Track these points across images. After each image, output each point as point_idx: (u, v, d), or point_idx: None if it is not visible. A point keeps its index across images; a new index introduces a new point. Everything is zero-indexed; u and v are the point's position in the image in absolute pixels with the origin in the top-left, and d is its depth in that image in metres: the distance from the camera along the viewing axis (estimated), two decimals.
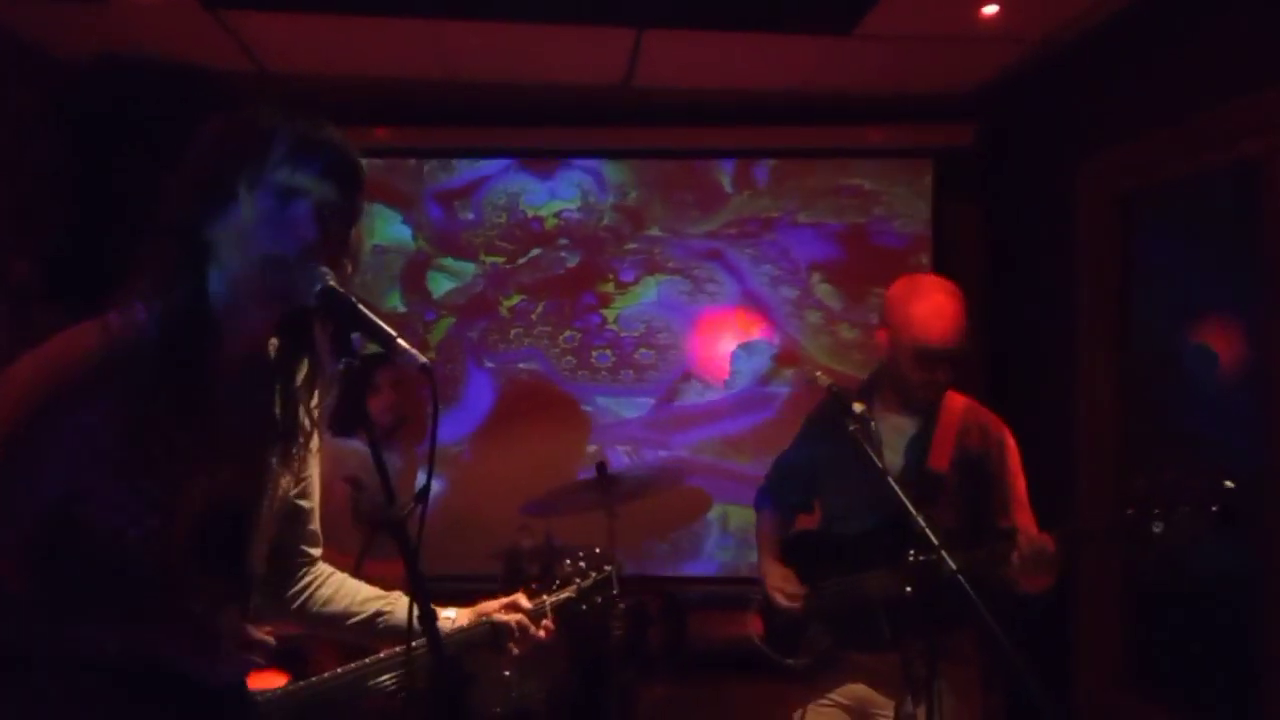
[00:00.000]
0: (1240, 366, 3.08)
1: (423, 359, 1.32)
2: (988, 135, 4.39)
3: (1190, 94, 3.12)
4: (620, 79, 4.17)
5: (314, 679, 1.72)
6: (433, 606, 1.72)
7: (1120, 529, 2.20)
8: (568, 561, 1.98)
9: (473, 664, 3.16)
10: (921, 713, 2.35)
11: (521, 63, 3.99)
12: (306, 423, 1.57)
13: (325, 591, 1.76)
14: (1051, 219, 3.91)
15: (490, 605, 1.81)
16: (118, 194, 3.31)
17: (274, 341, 1.54)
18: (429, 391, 1.32)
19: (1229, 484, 2.15)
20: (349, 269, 1.49)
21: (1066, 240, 3.76)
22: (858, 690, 2.51)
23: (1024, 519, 2.44)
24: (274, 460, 1.53)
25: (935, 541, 1.95)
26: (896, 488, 2.06)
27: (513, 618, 1.79)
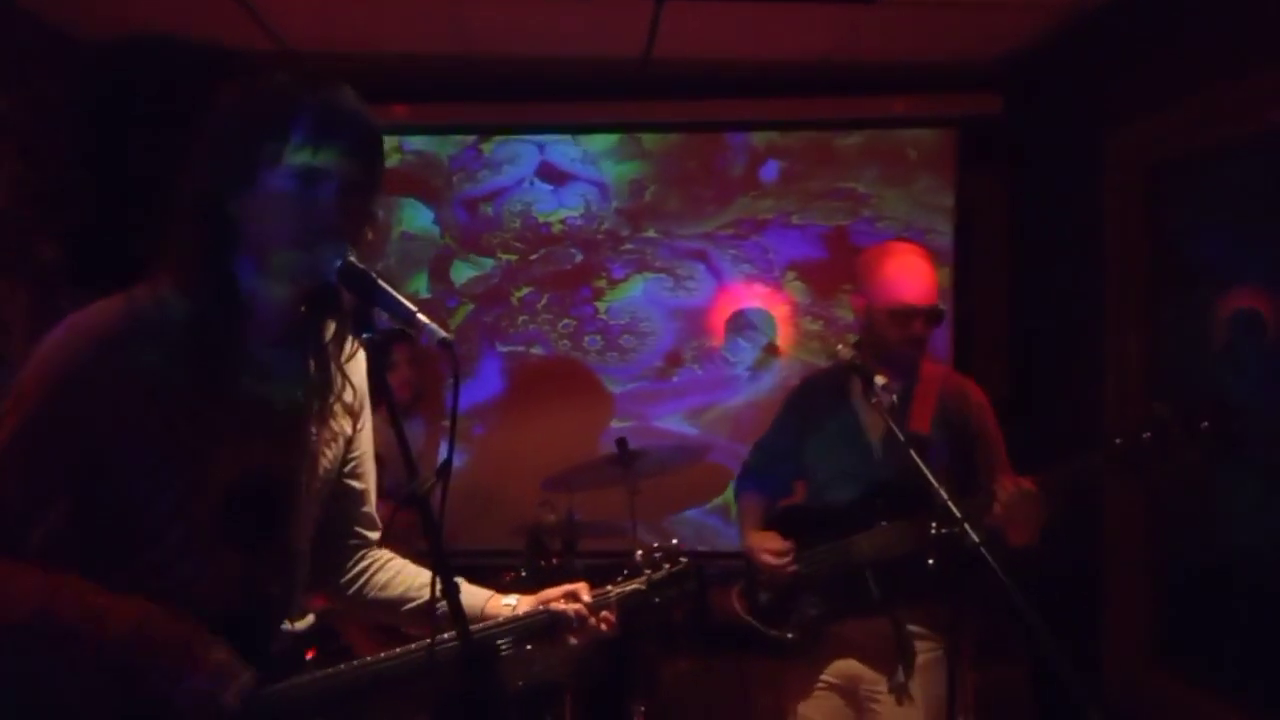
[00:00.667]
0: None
1: (443, 333, 1.31)
2: (1014, 105, 4.33)
3: (1219, 62, 3.06)
4: (640, 52, 4.13)
5: (353, 663, 1.58)
6: (489, 591, 1.74)
7: (1114, 459, 2.24)
8: (639, 553, 1.87)
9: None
10: (913, 683, 2.44)
11: (540, 37, 3.97)
12: (339, 379, 1.57)
13: (382, 576, 1.74)
14: (1078, 190, 3.86)
15: (552, 593, 1.73)
16: (142, 176, 3.32)
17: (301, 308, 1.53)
18: (449, 366, 1.30)
19: (1216, 407, 2.20)
20: (369, 239, 1.49)
21: (1093, 211, 3.70)
22: (849, 667, 2.52)
23: (1008, 479, 2.42)
24: (312, 433, 1.53)
25: (958, 514, 1.93)
26: (919, 460, 2.05)
27: (571, 607, 1.70)
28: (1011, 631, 2.56)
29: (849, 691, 2.52)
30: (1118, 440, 2.25)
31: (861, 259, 2.64)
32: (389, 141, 3.92)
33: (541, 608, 1.70)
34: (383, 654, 1.57)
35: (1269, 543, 2.95)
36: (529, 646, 1.72)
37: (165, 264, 1.44)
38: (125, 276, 1.47)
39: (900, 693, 2.44)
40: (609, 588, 1.78)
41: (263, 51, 4.03)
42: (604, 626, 1.73)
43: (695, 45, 4.08)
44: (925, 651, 2.47)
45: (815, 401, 2.70)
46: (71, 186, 3.92)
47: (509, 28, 3.88)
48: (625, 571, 1.83)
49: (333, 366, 1.56)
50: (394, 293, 1.35)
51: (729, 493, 4.01)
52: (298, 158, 1.38)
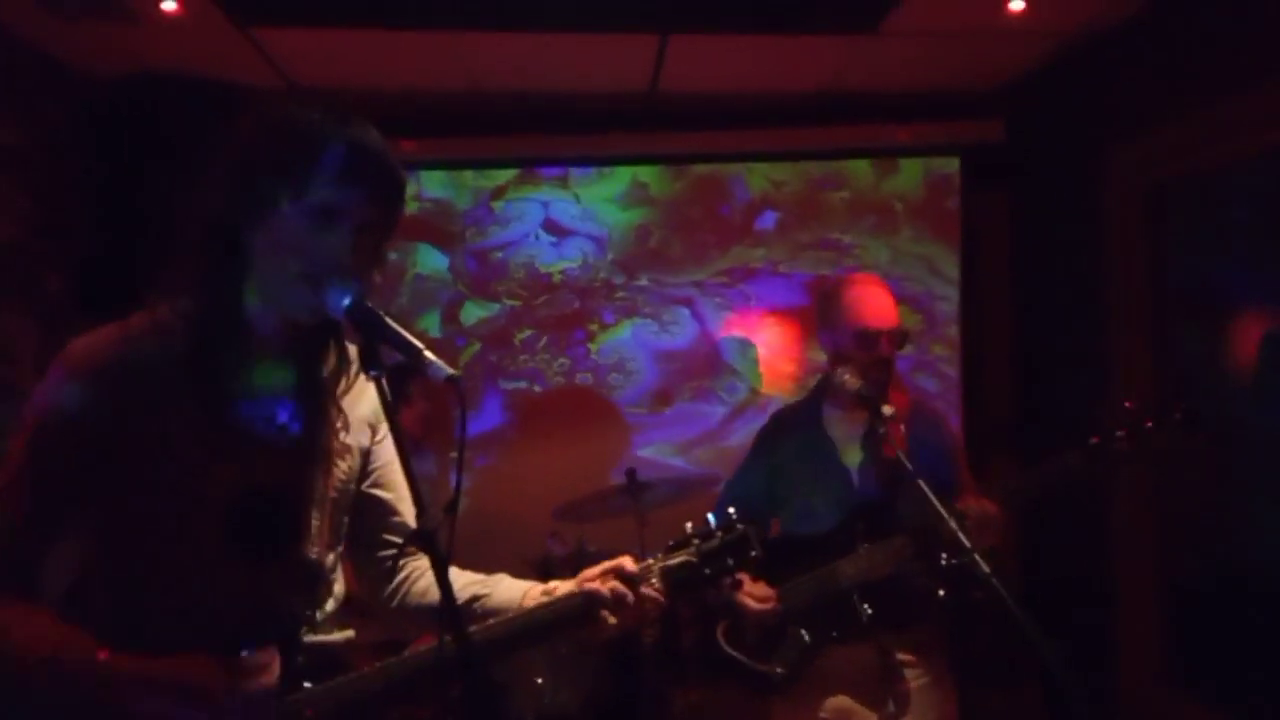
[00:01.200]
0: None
1: (450, 370, 1.31)
2: (1016, 130, 4.36)
3: (1216, 83, 3.08)
4: (646, 85, 4.18)
5: (352, 675, 1.56)
6: (529, 582, 1.69)
7: (1092, 458, 2.29)
8: (689, 525, 1.72)
9: (504, 671, 3.17)
10: (904, 714, 2.43)
11: (546, 72, 4.01)
12: (335, 412, 1.57)
13: (422, 584, 1.72)
14: (1081, 212, 3.87)
15: (591, 572, 1.64)
16: (149, 209, 3.36)
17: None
18: (455, 402, 1.32)
19: (1176, 400, 2.29)
20: (376, 281, 1.50)
21: (1096, 234, 3.72)
22: (841, 704, 2.48)
23: (971, 495, 2.48)
24: (320, 447, 1.54)
25: (968, 545, 1.94)
26: (928, 490, 2.06)
27: (608, 586, 1.60)
28: (1025, 655, 2.54)
29: None
30: (1094, 440, 2.30)
31: (821, 294, 2.70)
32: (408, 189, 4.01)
33: (580, 589, 1.62)
34: (392, 659, 1.55)
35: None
36: (539, 680, 1.68)
37: (169, 288, 1.45)
38: (132, 307, 1.48)
39: None
40: (650, 560, 1.67)
41: (271, 90, 4.08)
42: (650, 604, 1.62)
43: (700, 78, 4.13)
44: (914, 679, 2.48)
45: (787, 435, 2.71)
46: (79, 219, 3.96)
47: (515, 63, 3.92)
48: (671, 544, 1.70)
49: (329, 396, 1.56)
50: (402, 331, 1.36)
51: None
52: (320, 195, 1.39)
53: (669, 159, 4.52)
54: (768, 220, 4.13)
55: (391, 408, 1.39)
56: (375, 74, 4.01)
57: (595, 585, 1.61)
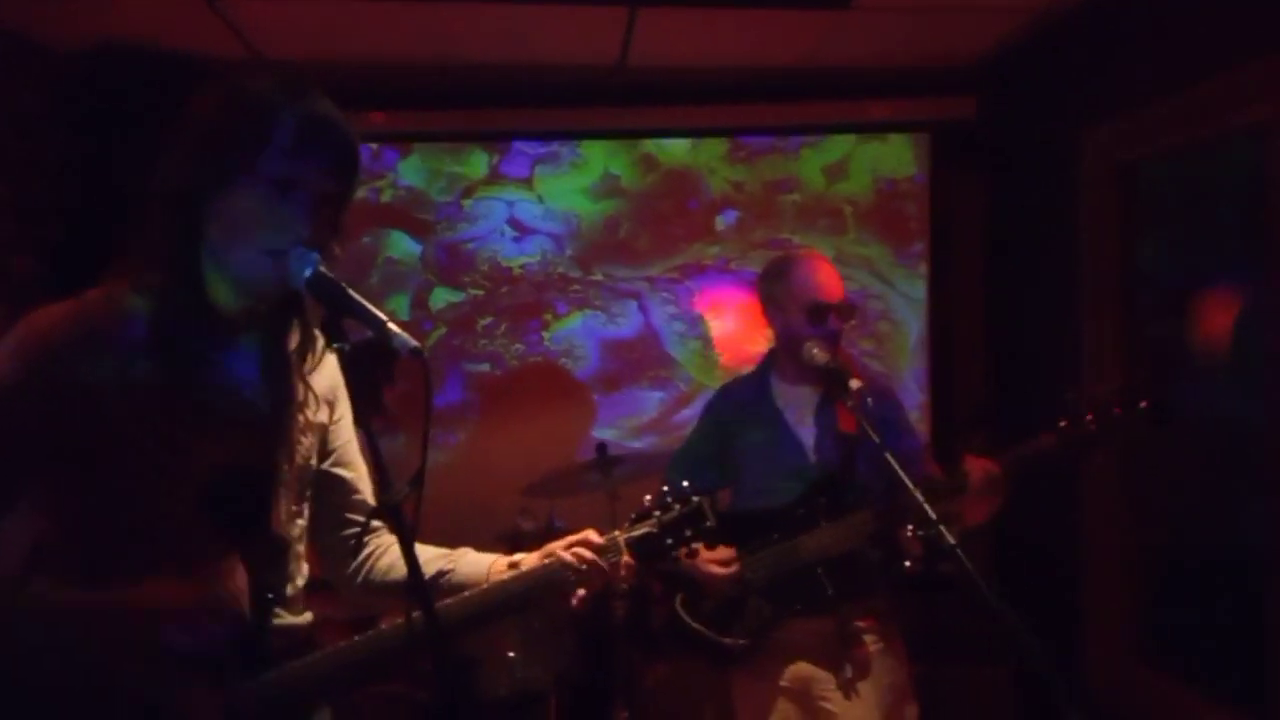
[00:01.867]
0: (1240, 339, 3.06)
1: (414, 343, 1.31)
2: (988, 107, 4.36)
3: (1194, 61, 3.08)
4: (615, 59, 4.14)
5: (320, 653, 1.57)
6: (494, 555, 1.73)
7: (1063, 442, 2.31)
8: (647, 498, 1.78)
9: (476, 646, 3.18)
10: (863, 679, 2.49)
11: (515, 45, 3.96)
12: (300, 388, 1.57)
13: (386, 560, 1.73)
14: (1053, 191, 3.88)
15: (556, 545, 1.69)
16: (117, 186, 3.30)
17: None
18: (420, 375, 1.31)
19: (1143, 384, 2.40)
20: (337, 251, 1.49)
21: (1069, 212, 3.73)
22: (800, 670, 2.53)
23: (932, 466, 2.56)
24: (283, 424, 1.53)
25: (933, 516, 1.95)
26: (894, 461, 2.09)
27: (577, 555, 1.65)
28: (993, 630, 2.56)
29: (802, 694, 2.53)
30: (1063, 424, 2.32)
31: (767, 271, 2.72)
32: (385, 178, 3.93)
33: (549, 560, 1.66)
34: (362, 635, 1.56)
35: (1249, 537, 2.97)
36: (510, 654, 1.69)
37: (128, 263, 1.45)
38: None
39: (849, 689, 2.49)
40: (616, 533, 1.72)
41: (237, 60, 4.01)
42: (622, 571, 1.68)
43: (670, 52, 4.09)
44: (871, 644, 2.54)
45: (736, 408, 2.74)
46: (45, 199, 3.89)
47: (483, 34, 3.87)
48: (633, 516, 1.77)
49: (293, 370, 1.56)
50: (364, 302, 1.35)
51: None
52: (274, 166, 1.38)
53: (637, 133, 4.52)
54: (729, 218, 4.35)
55: (354, 381, 1.38)
56: (343, 46, 3.95)
57: (566, 555, 1.65)
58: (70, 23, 3.67)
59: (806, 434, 2.62)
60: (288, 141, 1.38)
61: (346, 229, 1.52)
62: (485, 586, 1.63)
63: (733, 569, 2.48)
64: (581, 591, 1.67)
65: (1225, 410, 3.14)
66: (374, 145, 4.22)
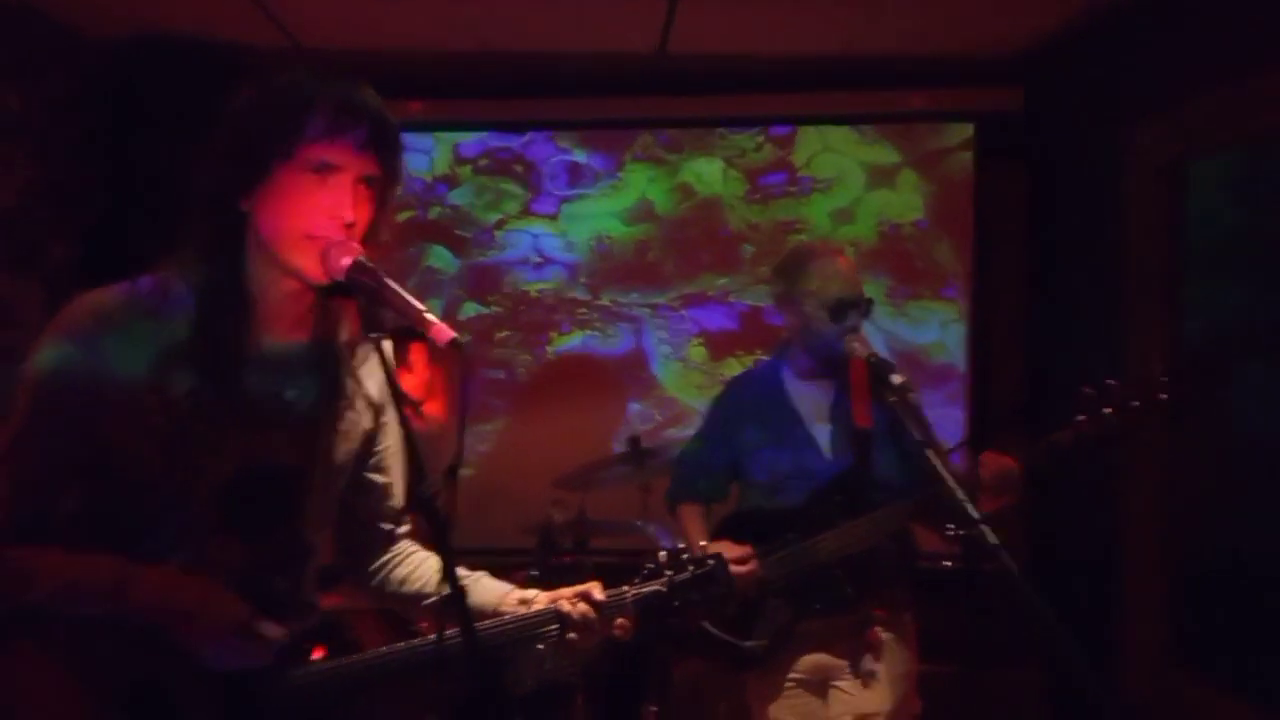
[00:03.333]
0: None
1: (452, 333, 1.29)
2: (1035, 99, 4.29)
3: (1243, 56, 3.00)
4: (655, 47, 4.11)
5: (354, 658, 1.58)
6: (508, 586, 1.71)
7: (1081, 435, 2.30)
8: (663, 553, 1.75)
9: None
10: (878, 665, 2.48)
11: (555, 32, 3.96)
12: (349, 383, 1.56)
13: (402, 571, 1.73)
14: (1099, 185, 3.81)
15: (564, 592, 1.68)
16: (152, 174, 3.34)
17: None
18: (458, 366, 1.30)
19: (1163, 378, 2.30)
20: (382, 238, 1.48)
21: (1115, 208, 3.66)
22: (817, 661, 2.51)
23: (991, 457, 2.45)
24: (325, 426, 1.52)
25: (975, 516, 1.90)
26: (934, 458, 2.01)
27: (577, 609, 1.63)
28: (1030, 633, 2.52)
29: (817, 684, 2.52)
30: (1080, 418, 2.31)
31: (783, 265, 2.66)
32: (436, 201, 4.21)
33: (549, 606, 1.66)
34: (388, 648, 1.56)
35: None
36: (539, 646, 1.67)
37: (173, 259, 1.44)
38: (138, 274, 1.46)
39: (868, 677, 2.48)
40: (625, 589, 1.70)
41: (276, 49, 4.03)
42: (618, 632, 1.67)
43: (710, 40, 4.06)
44: (885, 634, 2.52)
45: (748, 402, 2.69)
46: (84, 185, 3.92)
47: (523, 23, 3.86)
48: (645, 572, 1.74)
49: (343, 365, 1.55)
50: (403, 292, 1.34)
51: None
52: (312, 151, 1.38)
53: (676, 123, 4.51)
54: (746, 252, 4.55)
55: (393, 372, 1.36)
56: (382, 35, 3.96)
57: (566, 607, 1.63)
58: (110, 11, 3.70)
59: (822, 431, 2.59)
60: (322, 126, 1.37)
61: (395, 236, 1.51)
62: (487, 622, 1.61)
63: (750, 567, 2.43)
64: (575, 639, 1.65)
65: (1266, 413, 3.08)
66: (428, 177, 4.51)
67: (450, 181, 4.49)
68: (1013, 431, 4.27)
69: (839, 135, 4.47)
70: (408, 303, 1.32)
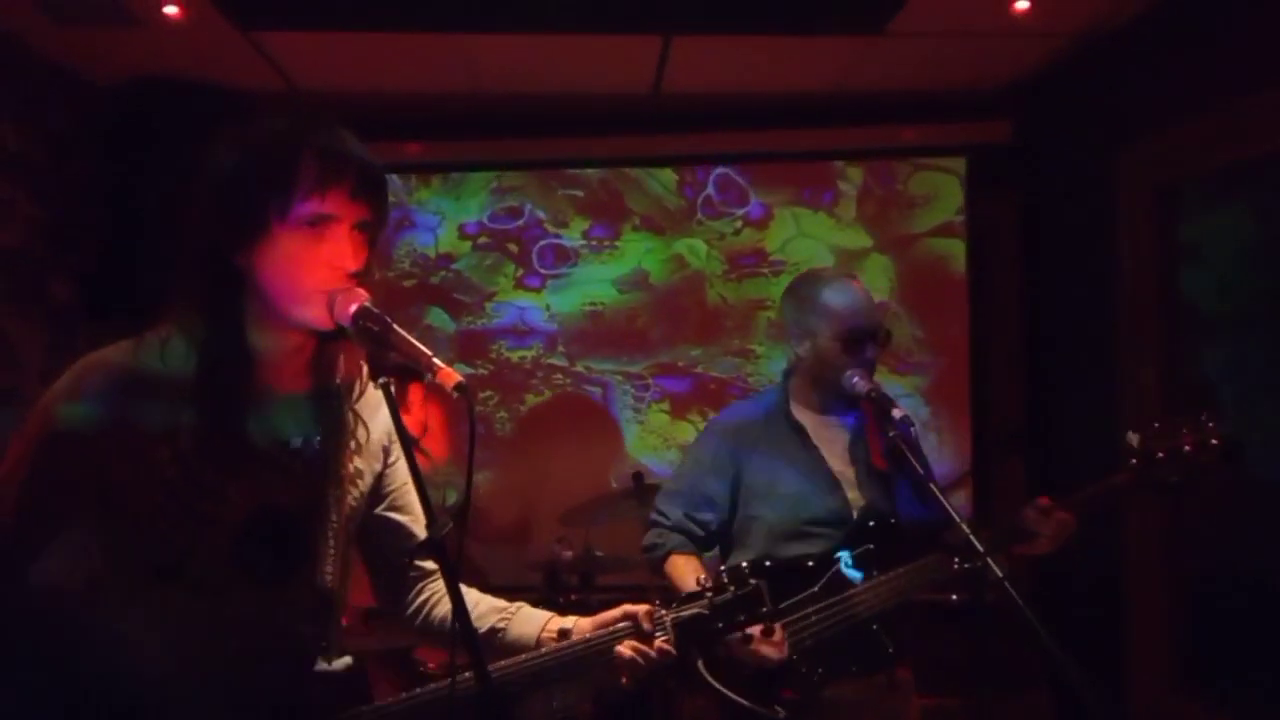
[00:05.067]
0: None
1: (459, 377, 1.30)
2: (1024, 130, 4.34)
3: (1228, 82, 3.05)
4: (649, 87, 4.16)
5: (366, 709, 1.53)
6: (547, 614, 1.67)
7: (1137, 482, 2.21)
8: (701, 576, 1.69)
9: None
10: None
11: (548, 74, 4.00)
12: (353, 420, 1.56)
13: (441, 610, 1.69)
14: (1090, 212, 3.85)
15: (610, 615, 1.61)
16: (154, 215, 3.37)
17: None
18: (465, 411, 1.30)
19: (1209, 422, 2.19)
20: (375, 275, 1.49)
21: (1107, 234, 3.69)
22: None
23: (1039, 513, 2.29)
24: (331, 471, 1.53)
25: (981, 548, 1.91)
26: (941, 496, 2.02)
27: (627, 648, 1.56)
28: (1037, 659, 2.48)
29: None
30: (1134, 461, 2.22)
31: (794, 295, 2.46)
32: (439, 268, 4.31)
33: (596, 638, 1.59)
34: (406, 694, 1.54)
35: None
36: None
37: (173, 311, 1.45)
38: (139, 313, 1.47)
39: None
40: (663, 612, 1.62)
41: (275, 93, 4.06)
42: (655, 655, 1.57)
43: (704, 79, 4.11)
44: (912, 693, 2.39)
45: (758, 440, 2.41)
46: (84, 225, 3.95)
47: (517, 65, 3.91)
48: (683, 594, 1.67)
49: (346, 407, 1.56)
50: (409, 337, 1.35)
51: None
52: (305, 207, 1.38)
53: (670, 161, 4.56)
54: (725, 325, 4.69)
55: (399, 415, 1.37)
56: (378, 77, 4.00)
57: (620, 649, 1.57)
58: (108, 54, 3.74)
59: (846, 471, 2.38)
60: (313, 179, 1.38)
61: (399, 295, 1.52)
62: (525, 657, 1.58)
63: (779, 646, 2.13)
64: (624, 681, 1.58)
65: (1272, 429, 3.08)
66: (431, 254, 4.63)
67: (451, 257, 4.70)
68: (1013, 458, 4.29)
69: (814, 220, 4.60)
70: (415, 347, 1.34)
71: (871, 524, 2.32)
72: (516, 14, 3.42)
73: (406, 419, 3.18)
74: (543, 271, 4.66)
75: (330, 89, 4.08)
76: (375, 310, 1.37)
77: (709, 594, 1.65)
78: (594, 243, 4.68)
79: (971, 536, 1.92)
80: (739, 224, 4.63)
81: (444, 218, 4.64)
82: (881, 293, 4.50)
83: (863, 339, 2.33)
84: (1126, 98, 3.63)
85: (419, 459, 1.39)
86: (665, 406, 4.66)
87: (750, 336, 4.63)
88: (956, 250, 4.53)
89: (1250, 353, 3.14)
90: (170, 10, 3.34)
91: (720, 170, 4.60)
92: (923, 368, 4.54)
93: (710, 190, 4.63)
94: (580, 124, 4.50)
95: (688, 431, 4.54)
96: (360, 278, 1.43)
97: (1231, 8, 3.07)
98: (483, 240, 4.67)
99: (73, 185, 3.91)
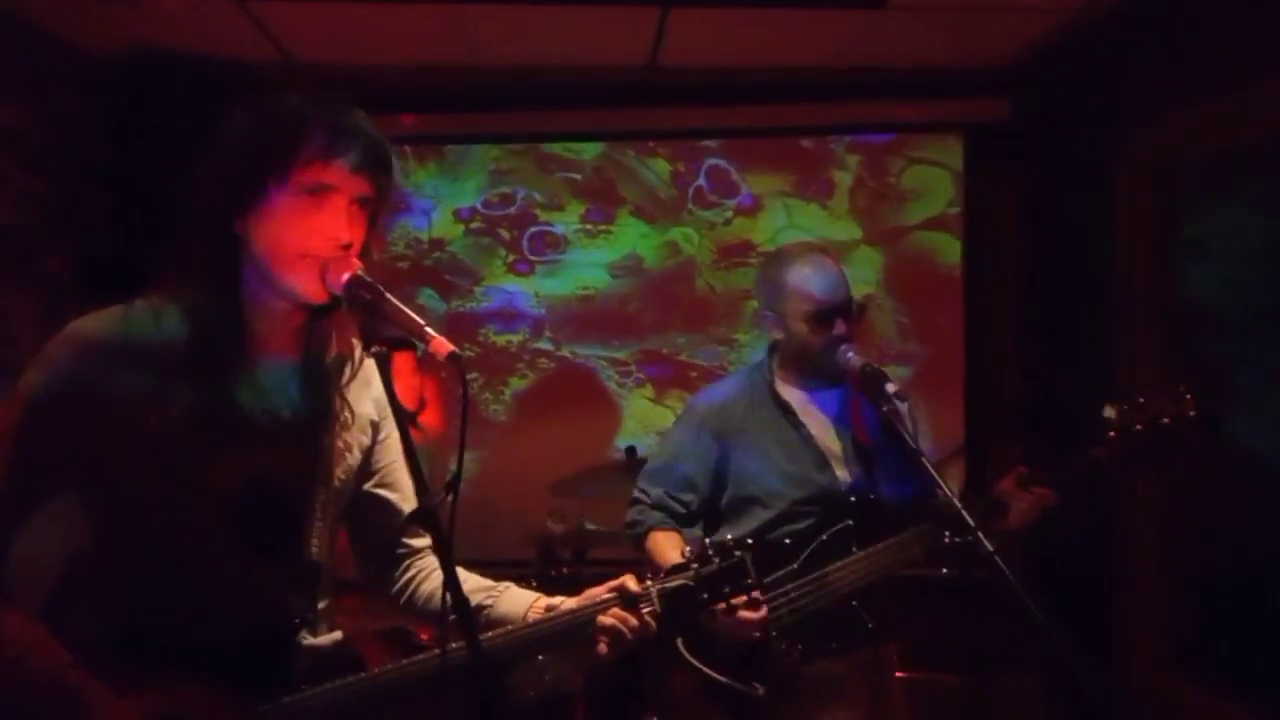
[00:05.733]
0: None
1: (451, 347, 1.31)
2: (1023, 109, 4.31)
3: (1231, 63, 3.03)
4: (646, 59, 4.13)
5: (364, 675, 1.54)
6: (533, 594, 1.67)
7: (1115, 454, 2.23)
8: (686, 549, 1.69)
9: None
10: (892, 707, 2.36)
11: (546, 45, 3.97)
12: (340, 405, 1.57)
13: (427, 587, 1.70)
14: (1089, 193, 3.83)
15: (596, 591, 1.62)
16: (150, 189, 3.35)
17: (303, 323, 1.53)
18: (457, 380, 1.31)
19: (1187, 394, 2.23)
20: (375, 255, 1.49)
21: (1107, 213, 3.68)
22: (835, 716, 2.29)
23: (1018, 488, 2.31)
24: (322, 445, 1.53)
25: (971, 523, 1.92)
26: (933, 470, 2.02)
27: (610, 616, 1.58)
28: (1029, 638, 2.49)
29: None
30: (1112, 434, 2.25)
31: (763, 271, 2.45)
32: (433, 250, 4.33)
33: (582, 609, 1.60)
34: (393, 664, 1.54)
35: None
36: (540, 657, 1.66)
37: (168, 280, 1.45)
38: (133, 289, 1.47)
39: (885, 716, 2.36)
40: (649, 582, 1.63)
41: (271, 65, 4.04)
42: (639, 625, 1.59)
43: (702, 52, 4.08)
44: (898, 671, 2.43)
45: (744, 420, 2.40)
46: (80, 199, 3.93)
47: (514, 36, 3.88)
48: (670, 567, 1.68)
49: (334, 381, 1.56)
50: (403, 306, 1.35)
51: None
52: (306, 174, 1.39)
53: (667, 134, 4.54)
54: (711, 313, 4.68)
55: (392, 387, 1.37)
56: (374, 48, 3.97)
57: (604, 619, 1.58)
58: (104, 25, 3.71)
59: (834, 448, 2.38)
60: (317, 148, 1.39)
61: (392, 276, 1.52)
62: (512, 628, 1.59)
63: (762, 614, 2.11)
64: (605, 650, 1.59)
65: (1266, 413, 3.09)
66: (424, 237, 4.62)
67: (444, 241, 4.71)
68: (1012, 441, 4.29)
69: (805, 211, 4.57)
70: (408, 316, 1.34)
71: (853, 500, 2.33)
72: None
73: (402, 390, 3.21)
74: (532, 258, 4.68)
75: (326, 60, 4.05)
76: (368, 279, 1.38)
77: (694, 566, 1.66)
78: (589, 226, 4.67)
79: (963, 510, 1.93)
80: (729, 214, 4.61)
81: (438, 201, 4.64)
82: (868, 285, 4.49)
83: (830, 315, 2.30)
84: (1127, 78, 3.61)
85: (414, 432, 1.39)
86: (648, 392, 4.69)
87: (735, 325, 4.64)
88: (945, 243, 4.50)
89: (1254, 339, 3.13)
90: None
91: (711, 161, 4.59)
92: (906, 358, 4.52)
93: (701, 180, 4.62)
94: (576, 97, 4.47)
95: (667, 418, 4.51)
96: (355, 252, 1.43)
97: None
98: (475, 225, 4.67)
99: (69, 159, 3.89)
